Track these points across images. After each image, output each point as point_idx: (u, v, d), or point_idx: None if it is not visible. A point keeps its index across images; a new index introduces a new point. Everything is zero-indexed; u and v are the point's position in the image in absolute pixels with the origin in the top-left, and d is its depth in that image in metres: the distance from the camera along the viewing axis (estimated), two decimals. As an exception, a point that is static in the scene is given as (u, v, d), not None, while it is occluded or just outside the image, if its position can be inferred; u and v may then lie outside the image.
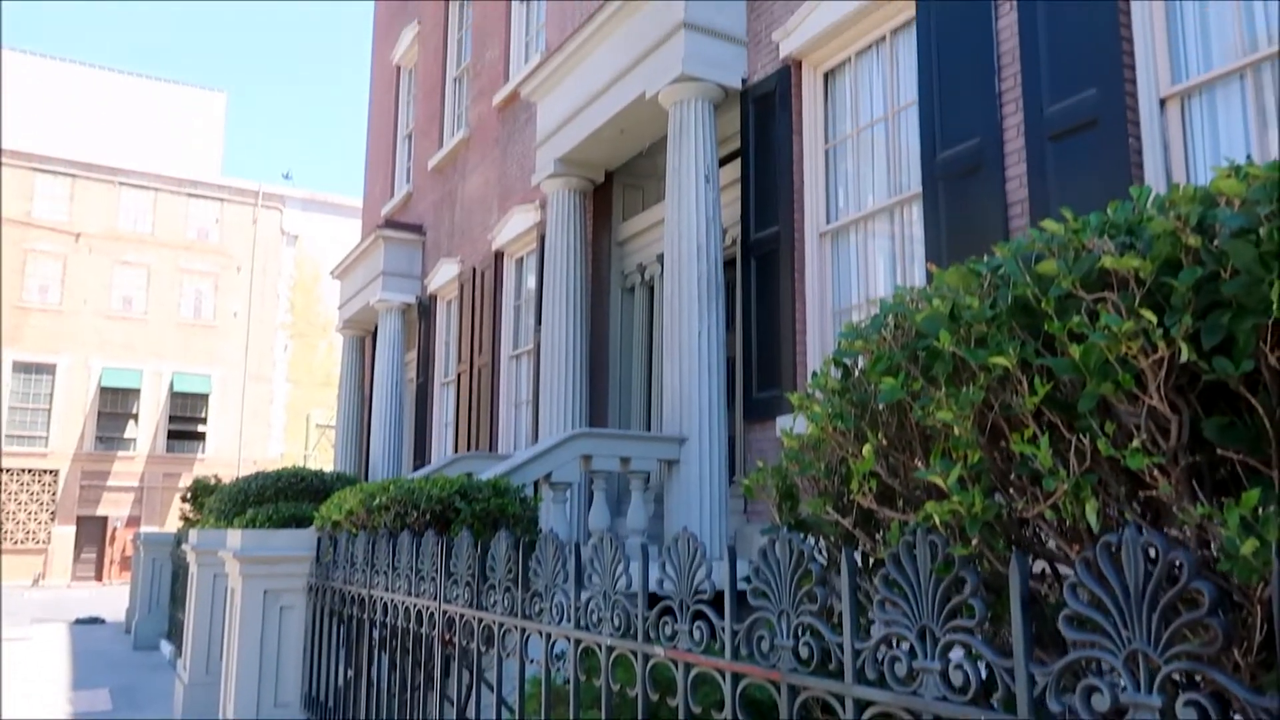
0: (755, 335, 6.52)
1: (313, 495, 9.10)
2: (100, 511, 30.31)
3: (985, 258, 1.78)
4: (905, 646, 1.47)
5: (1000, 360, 1.48)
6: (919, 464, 1.75)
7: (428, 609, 3.25)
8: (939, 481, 1.56)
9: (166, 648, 10.23)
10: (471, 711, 3.10)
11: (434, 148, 13.21)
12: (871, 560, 2.06)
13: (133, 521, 30.35)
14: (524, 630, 2.59)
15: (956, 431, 1.58)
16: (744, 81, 6.85)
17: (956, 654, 1.40)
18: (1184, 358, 1.30)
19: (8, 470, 29.13)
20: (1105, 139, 4.35)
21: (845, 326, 2.06)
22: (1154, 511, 1.53)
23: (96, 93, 35.02)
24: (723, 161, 7.27)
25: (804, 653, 1.64)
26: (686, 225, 6.50)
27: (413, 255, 13.10)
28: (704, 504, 6.13)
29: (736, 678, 1.80)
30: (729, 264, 7.00)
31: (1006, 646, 1.78)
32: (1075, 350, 1.38)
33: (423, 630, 3.31)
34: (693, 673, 1.91)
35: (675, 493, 6.22)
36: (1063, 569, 1.79)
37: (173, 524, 29.14)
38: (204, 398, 32.19)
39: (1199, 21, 4.31)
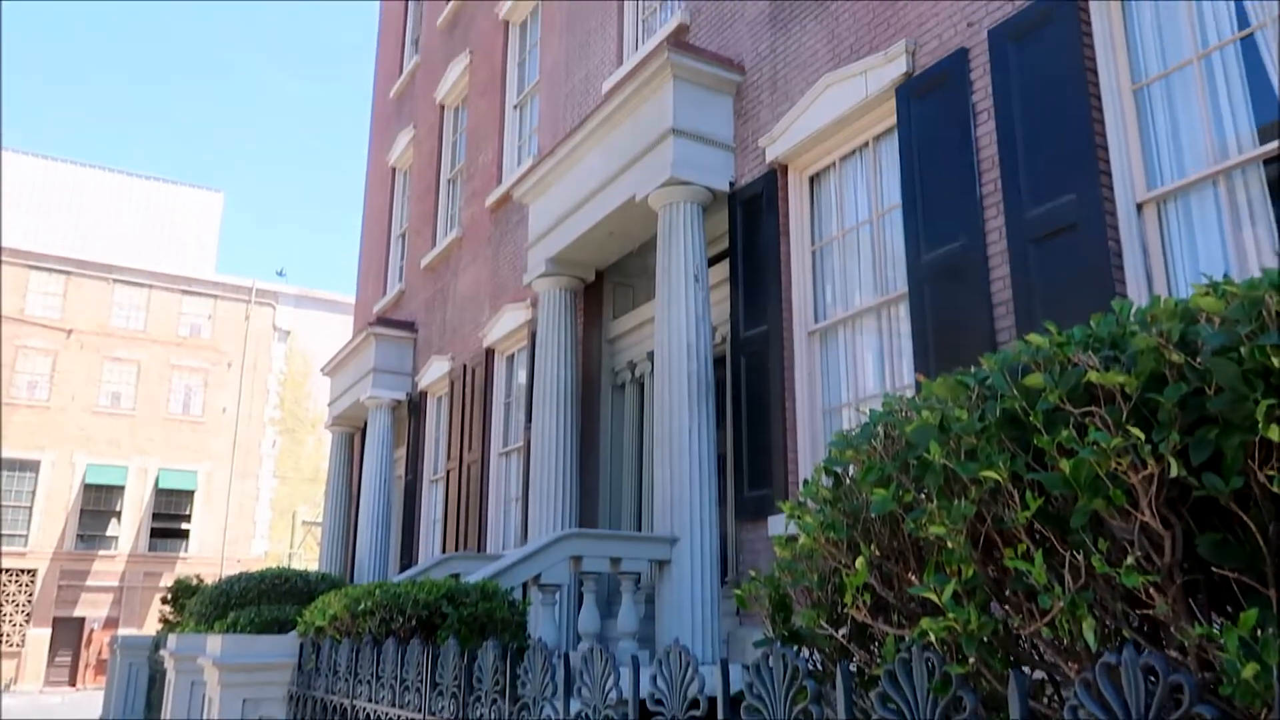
0: (746, 433, 6.52)
1: (297, 597, 8.91)
2: (78, 612, 29.56)
3: (973, 368, 1.79)
4: (904, 770, 1.42)
5: (991, 474, 1.48)
6: (913, 577, 1.73)
7: (412, 722, 3.15)
8: (934, 598, 1.54)
9: (139, 759, 9.84)
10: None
11: (427, 247, 13.40)
12: (867, 674, 2.01)
13: (111, 623, 29.58)
14: (511, 747, 2.50)
15: (949, 545, 1.57)
16: (732, 184, 7.02)
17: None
18: (1174, 473, 1.30)
19: (-15, 570, 28.51)
20: (1085, 242, 4.45)
21: (836, 435, 2.06)
22: (1152, 627, 1.51)
23: (96, 192, 35.60)
24: (712, 261, 7.38)
25: (800, 775, 1.59)
26: (676, 324, 6.56)
27: (404, 352, 13.15)
28: (696, 606, 6.01)
29: (731, 801, 1.73)
30: (719, 362, 7.04)
31: (1008, 766, 1.73)
32: (1065, 465, 1.38)
33: (406, 745, 3.19)
34: (686, 795, 1.84)
35: (667, 594, 6.11)
36: (1061, 677, 1.76)
37: (152, 626, 28.40)
38: (189, 494, 31.79)
39: (1170, 130, 4.46)
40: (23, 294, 30.81)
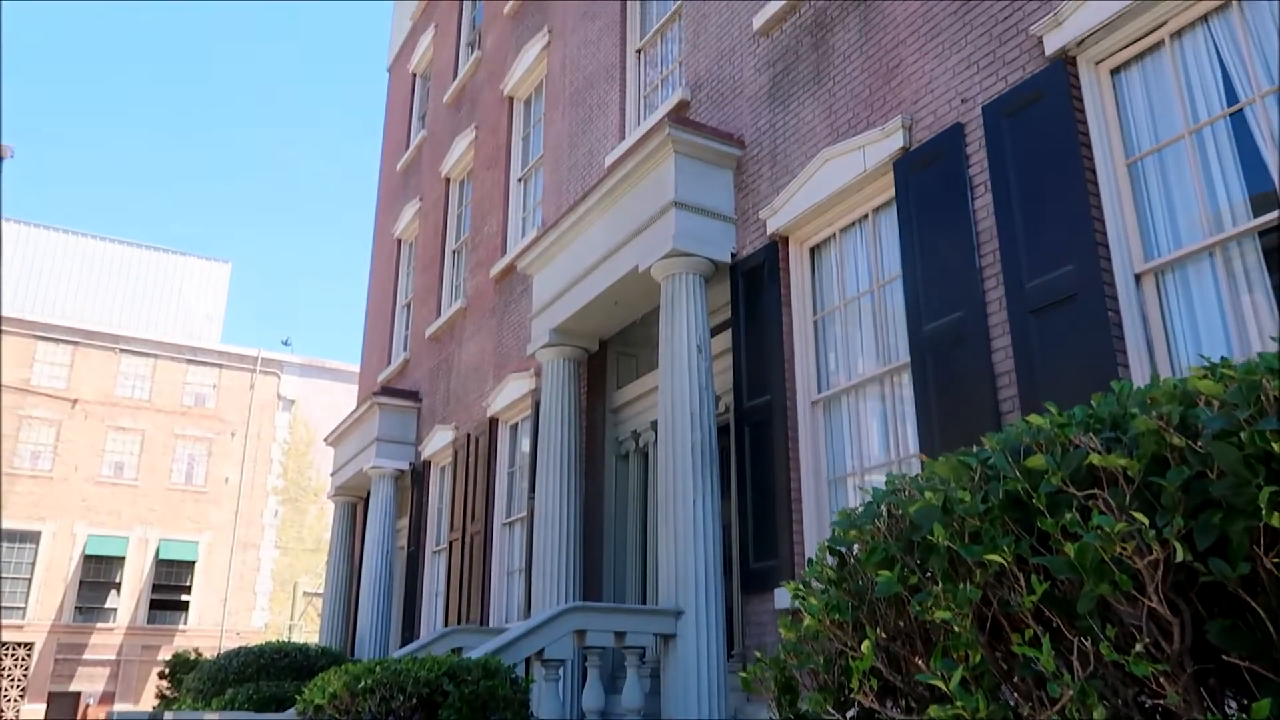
0: (751, 504, 6.47)
1: (296, 673, 8.78)
2: (73, 687, 29.03)
3: (975, 447, 1.80)
4: None
5: (995, 557, 1.47)
6: (920, 661, 1.71)
7: (411, 808, 3.08)
8: (941, 685, 1.52)
9: (131, 842, 9.58)
10: None
11: (432, 316, 13.50)
12: (876, 760, 1.97)
13: (106, 698, 29.03)
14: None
15: (956, 629, 1.55)
16: (733, 255, 7.09)
17: None
18: (1179, 558, 1.29)
19: (-19, 644, 28.11)
20: (1085, 312, 4.47)
21: (839, 514, 2.05)
22: (1164, 713, 1.48)
23: (105, 263, 36.02)
24: (714, 331, 7.42)
25: None
26: (680, 394, 6.57)
27: (407, 421, 13.15)
28: (702, 682, 5.91)
29: None
30: (723, 431, 7.02)
31: None
32: (1070, 549, 1.37)
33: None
34: None
35: (672, 669, 6.00)
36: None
37: (149, 701, 27.86)
38: (189, 565, 31.48)
39: (1165, 202, 4.52)
40: (29, 364, 30.97)
